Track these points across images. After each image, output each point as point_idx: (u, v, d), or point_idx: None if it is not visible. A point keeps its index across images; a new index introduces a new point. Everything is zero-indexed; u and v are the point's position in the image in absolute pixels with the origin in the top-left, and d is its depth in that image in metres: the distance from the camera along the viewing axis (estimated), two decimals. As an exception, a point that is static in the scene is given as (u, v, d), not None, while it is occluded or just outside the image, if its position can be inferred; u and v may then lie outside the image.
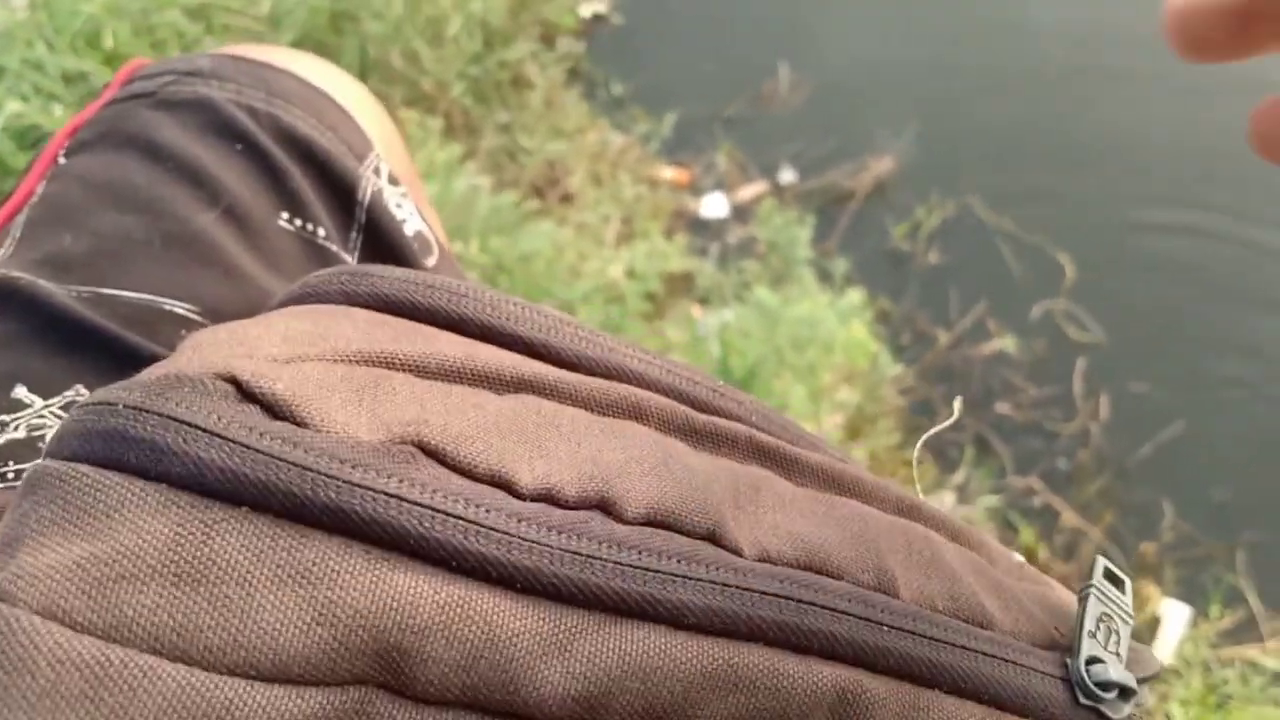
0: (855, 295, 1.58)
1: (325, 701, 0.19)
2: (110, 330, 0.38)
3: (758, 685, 0.22)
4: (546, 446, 0.23)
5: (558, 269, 1.65)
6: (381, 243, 0.50)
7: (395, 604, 0.20)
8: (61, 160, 0.46)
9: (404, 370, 0.24)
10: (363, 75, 2.13)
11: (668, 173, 2.08)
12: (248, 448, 0.20)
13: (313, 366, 0.23)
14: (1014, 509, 1.70)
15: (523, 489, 0.22)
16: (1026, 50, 2.35)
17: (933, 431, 0.37)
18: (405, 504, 0.20)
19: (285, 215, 0.46)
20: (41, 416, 0.36)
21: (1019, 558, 0.31)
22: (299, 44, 2.05)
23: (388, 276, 0.27)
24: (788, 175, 2.09)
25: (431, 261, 0.52)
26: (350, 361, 0.23)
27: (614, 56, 2.35)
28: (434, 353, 0.24)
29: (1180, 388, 1.85)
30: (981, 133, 2.20)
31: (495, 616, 0.20)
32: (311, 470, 0.20)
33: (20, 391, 0.37)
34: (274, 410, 0.21)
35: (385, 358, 0.24)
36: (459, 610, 0.20)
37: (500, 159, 2.05)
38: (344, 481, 0.20)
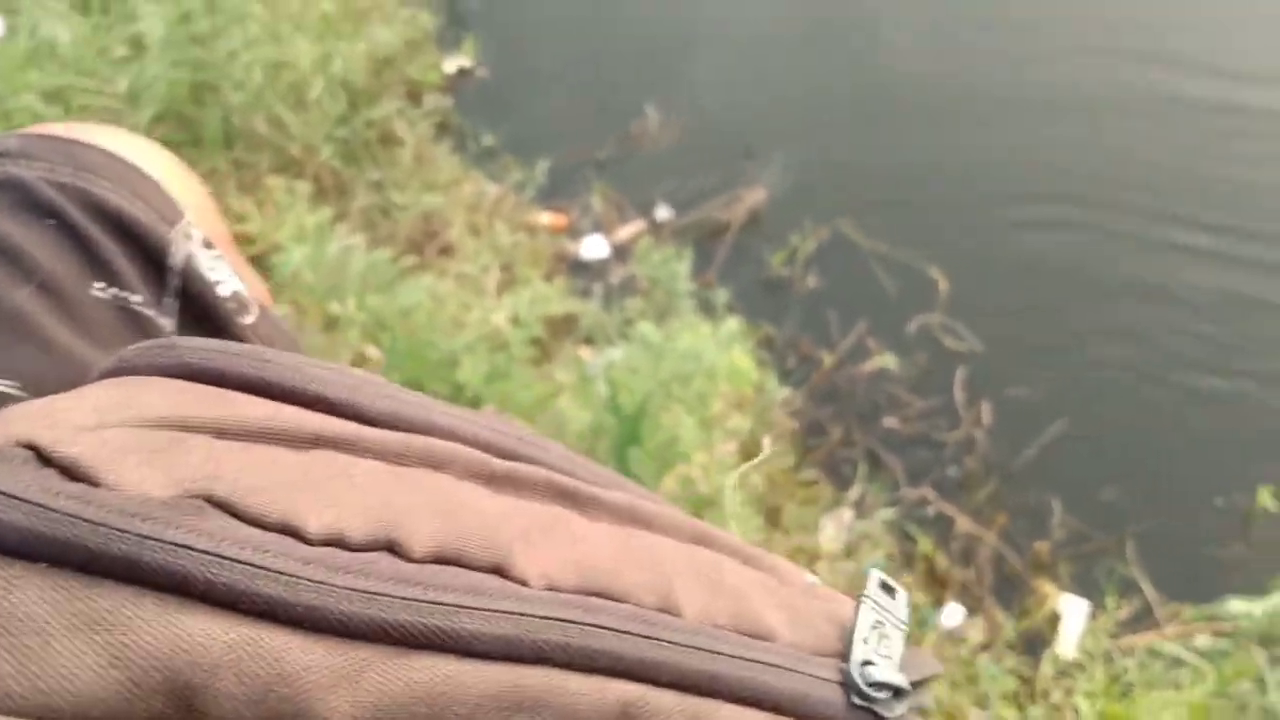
0: (733, 323, 1.60)
1: None
2: None
3: (544, 704, 0.23)
4: (337, 496, 0.24)
5: (439, 321, 1.64)
6: (196, 305, 0.51)
7: (186, 645, 0.21)
8: None
9: (203, 432, 0.25)
10: (228, 144, 2.10)
11: (545, 218, 2.09)
12: (44, 507, 0.21)
13: (113, 432, 0.24)
14: (910, 520, 1.73)
15: (311, 535, 0.23)
16: (883, 79, 2.44)
17: (752, 464, 0.40)
18: (193, 552, 0.21)
19: (99, 285, 0.48)
20: None
21: (813, 578, 0.33)
22: (161, 118, 2.01)
23: (195, 347, 0.28)
24: (663, 212, 2.13)
25: (250, 319, 0.53)
26: (151, 426, 0.25)
27: (482, 108, 2.36)
28: (234, 414, 0.26)
29: (1059, 387, 1.92)
30: (848, 159, 2.27)
31: (284, 653, 0.21)
32: (103, 525, 0.21)
33: None
34: (71, 473, 0.22)
35: (185, 421, 0.25)
36: (248, 649, 0.21)
37: (374, 217, 2.04)
38: (134, 534, 0.21)
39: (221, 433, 0.26)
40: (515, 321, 1.70)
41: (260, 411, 0.26)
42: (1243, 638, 1.61)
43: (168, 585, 0.21)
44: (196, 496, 0.23)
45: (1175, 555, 1.74)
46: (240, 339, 0.52)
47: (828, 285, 2.05)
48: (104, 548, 0.21)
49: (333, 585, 0.22)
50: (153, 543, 0.21)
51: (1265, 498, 1.76)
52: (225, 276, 0.53)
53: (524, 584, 0.25)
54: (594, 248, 2.04)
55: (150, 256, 0.50)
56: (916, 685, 0.28)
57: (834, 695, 0.27)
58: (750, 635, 0.27)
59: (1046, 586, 1.71)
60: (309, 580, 0.22)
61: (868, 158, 2.26)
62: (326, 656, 0.22)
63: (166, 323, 0.50)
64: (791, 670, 0.27)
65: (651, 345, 1.53)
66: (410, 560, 0.24)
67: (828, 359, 1.92)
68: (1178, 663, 1.61)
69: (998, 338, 1.98)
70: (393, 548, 0.24)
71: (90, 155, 0.51)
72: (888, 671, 0.27)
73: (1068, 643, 1.66)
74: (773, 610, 0.29)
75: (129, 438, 0.24)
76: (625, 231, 2.07)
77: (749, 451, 1.65)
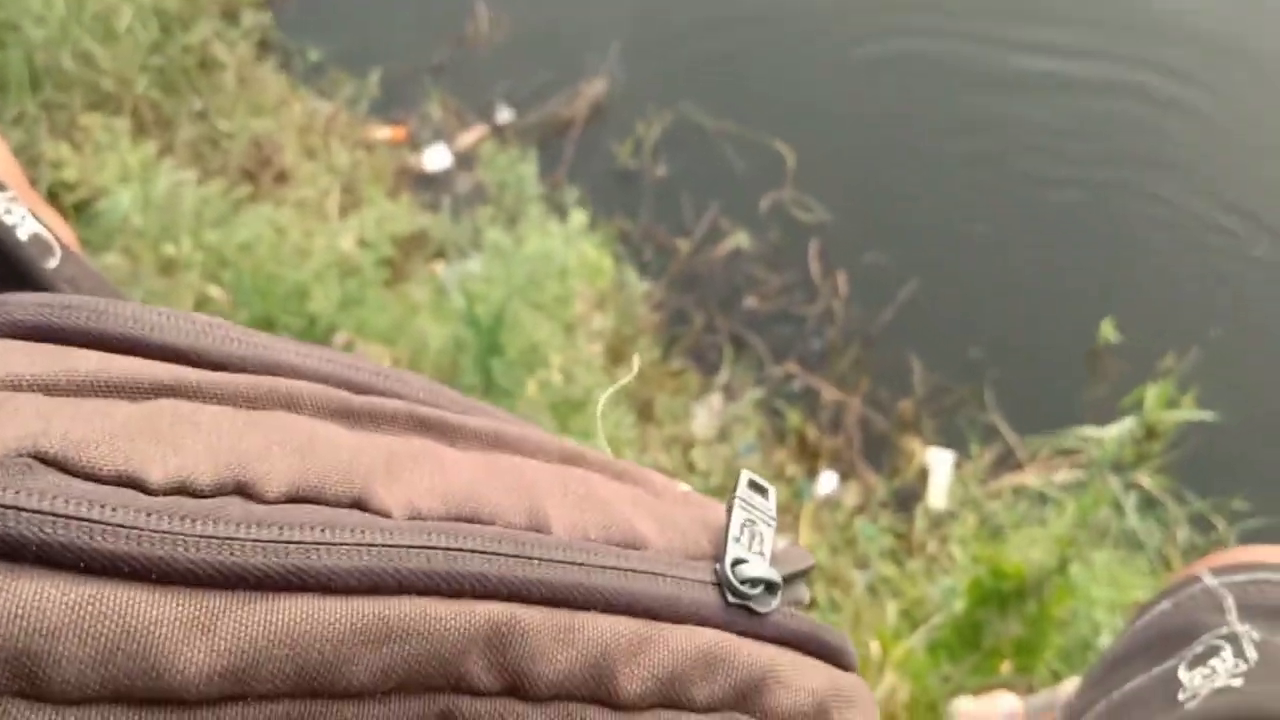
0: (580, 216, 1.61)
1: None
2: None
3: (410, 632, 0.23)
4: (181, 443, 0.23)
5: (284, 252, 1.62)
6: (7, 265, 0.48)
7: (20, 611, 0.20)
8: None
9: (30, 390, 0.24)
10: (35, 86, 1.99)
11: (382, 132, 2.05)
12: None
13: None
14: (778, 396, 1.79)
15: (153, 485, 0.22)
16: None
17: (616, 387, 0.40)
18: (23, 513, 0.21)
19: None
20: None
21: (685, 487, 0.33)
22: (-45, 60, 1.90)
23: (23, 303, 0.27)
24: (505, 114, 2.10)
25: (53, 263, 0.50)
26: None
27: (304, 22, 2.28)
28: (64, 369, 0.25)
29: (909, 248, 1.98)
30: (683, 40, 2.26)
31: (130, 608, 0.21)
32: None
33: None
34: None
35: (10, 381, 0.24)
36: (90, 608, 0.21)
37: (201, 148, 1.97)
38: None
39: (51, 389, 0.24)
40: (363, 244, 1.68)
41: (93, 363, 0.25)
42: (1098, 468, 1.73)
43: None
44: (23, 455, 0.22)
45: (1031, 397, 1.84)
46: (46, 286, 0.49)
47: (677, 171, 2.06)
48: None
49: (180, 534, 0.21)
50: None
51: (1108, 330, 1.87)
52: (22, 218, 0.50)
53: (386, 516, 0.24)
54: (437, 158, 2.02)
55: None
56: (789, 579, 0.28)
57: (708, 596, 0.27)
58: (621, 545, 0.27)
59: (913, 443, 1.80)
60: (153, 531, 0.21)
61: (703, 39, 2.27)
62: (177, 608, 0.21)
63: None
64: (663, 575, 0.27)
65: (502, 251, 1.53)
66: (263, 502, 0.23)
67: (684, 246, 1.95)
68: (1042, 499, 1.72)
69: (846, 206, 2.03)
70: (244, 490, 0.23)
71: None
72: (760, 568, 0.27)
73: (938, 495, 1.76)
74: (645, 520, 0.28)
75: None
76: (467, 138, 2.05)
77: (616, 352, 1.68)
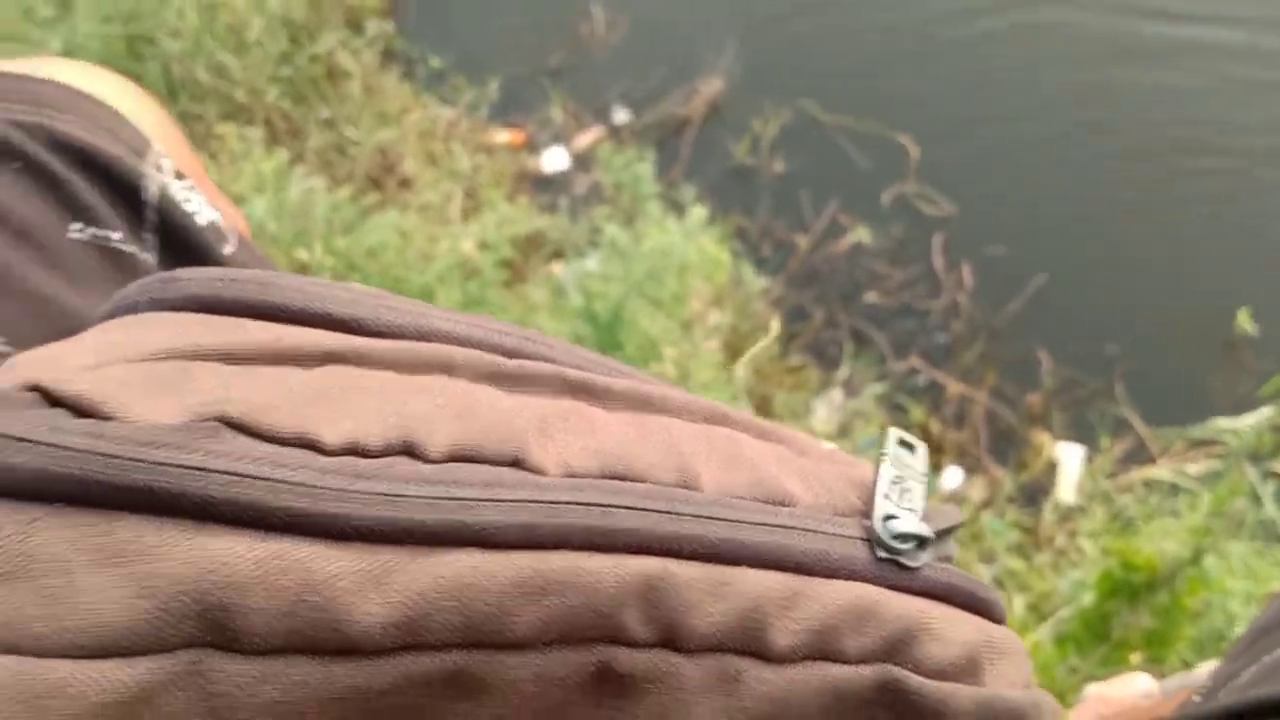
0: (698, 211, 1.64)
1: (156, 668, 0.21)
2: None
3: (567, 585, 0.23)
4: (351, 407, 0.25)
5: (408, 256, 1.68)
6: (177, 238, 0.51)
7: (211, 566, 0.21)
8: None
9: (211, 359, 0.26)
10: (172, 97, 2.11)
11: (502, 136, 2.11)
12: (54, 446, 0.22)
13: (116, 368, 0.24)
14: (900, 391, 1.79)
15: (328, 447, 0.24)
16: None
17: (754, 350, 0.40)
18: (210, 474, 0.22)
19: (76, 225, 0.48)
20: None
21: (830, 446, 0.33)
22: (97, 81, 2.02)
23: (196, 278, 0.28)
24: (621, 115, 2.14)
25: (229, 249, 0.54)
26: (156, 359, 0.25)
27: (425, 31, 2.36)
28: (241, 339, 0.26)
29: (1036, 239, 1.95)
30: (800, 36, 2.27)
31: (311, 563, 0.22)
32: (116, 457, 0.22)
33: None
34: (78, 409, 0.23)
35: (192, 351, 0.26)
36: (274, 563, 0.22)
37: (330, 156, 2.06)
38: (149, 462, 0.22)
39: (229, 358, 0.26)
40: (483, 246, 1.74)
41: (268, 334, 0.27)
42: (1234, 457, 1.68)
43: (189, 510, 0.22)
44: (209, 419, 0.23)
45: (1163, 389, 1.80)
46: None
47: (796, 167, 2.07)
48: (120, 479, 0.21)
49: (354, 492, 0.23)
50: (169, 469, 0.22)
51: (1244, 320, 1.81)
52: (200, 206, 0.53)
53: (542, 473, 0.25)
54: (555, 160, 2.07)
55: (123, 192, 0.50)
56: (940, 534, 0.29)
57: (858, 551, 0.27)
58: (769, 502, 0.28)
59: (1041, 437, 1.77)
60: (330, 489, 0.23)
61: (819, 34, 2.27)
62: (352, 562, 0.22)
63: (149, 258, 0.49)
64: (813, 531, 0.27)
65: (620, 249, 1.56)
66: (428, 461, 0.24)
67: (803, 242, 1.96)
68: (1175, 491, 1.68)
69: (971, 198, 2.01)
70: (410, 451, 0.24)
71: (48, 90, 0.50)
72: (910, 523, 0.28)
73: (1067, 488, 1.73)
74: (791, 477, 0.29)
75: (134, 372, 0.24)
76: (584, 139, 2.09)
77: (733, 348, 1.70)
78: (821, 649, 0.26)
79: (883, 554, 0.27)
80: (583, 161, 2.07)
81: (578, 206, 1.95)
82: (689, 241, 1.49)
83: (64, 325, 0.40)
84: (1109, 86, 2.14)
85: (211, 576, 0.21)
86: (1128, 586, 1.33)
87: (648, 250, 1.47)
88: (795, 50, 2.25)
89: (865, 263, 1.95)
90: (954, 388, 1.80)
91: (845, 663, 0.26)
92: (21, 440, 0.22)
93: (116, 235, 0.48)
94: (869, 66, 2.22)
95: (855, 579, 0.27)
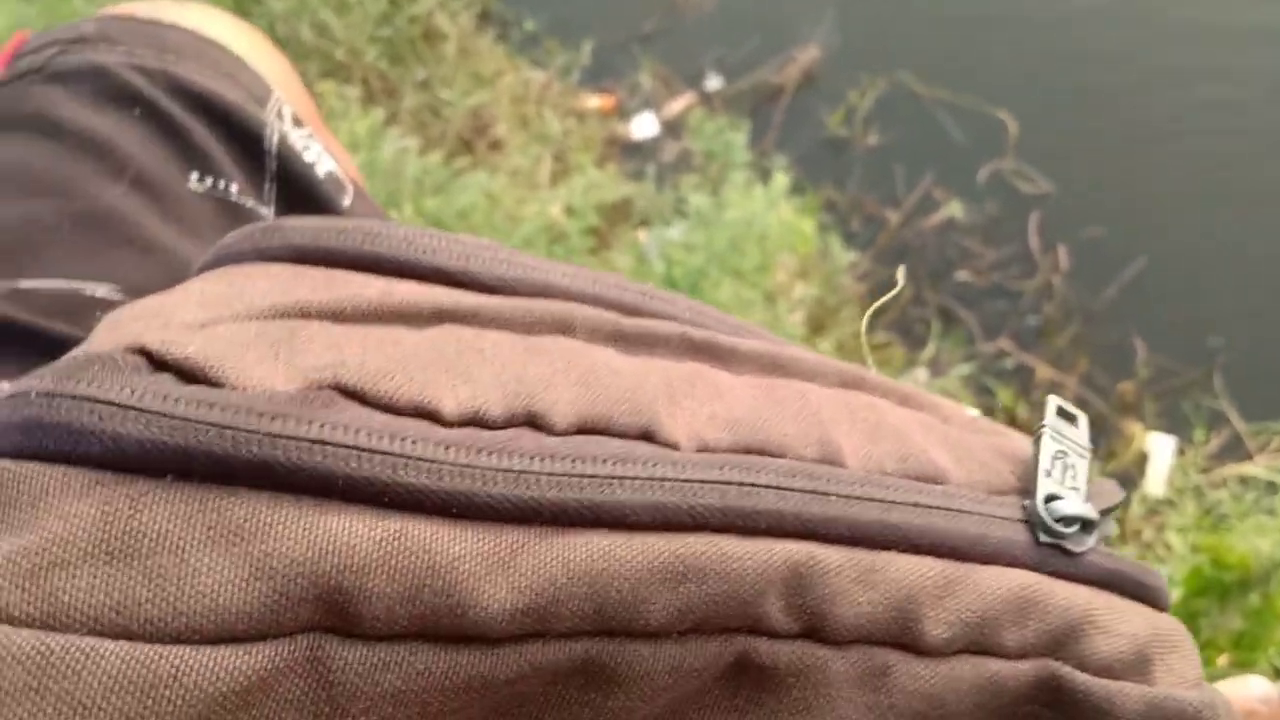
0: (781, 179, 1.62)
1: (274, 654, 0.20)
2: (31, 325, 0.39)
3: (707, 572, 0.22)
4: (469, 372, 0.23)
5: (496, 219, 1.70)
6: (296, 189, 0.49)
7: (331, 547, 0.20)
8: None
9: (319, 318, 0.24)
10: (273, 57, 2.15)
11: (593, 101, 2.11)
12: (163, 415, 0.20)
13: (225, 327, 0.23)
14: (988, 374, 1.76)
15: (447, 416, 0.22)
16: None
17: (881, 301, 0.37)
18: (329, 447, 0.21)
19: (195, 176, 0.46)
20: None
21: (974, 412, 0.31)
22: (200, 37, 2.07)
23: (300, 228, 0.27)
24: (714, 82, 2.13)
25: (347, 201, 0.52)
26: (264, 317, 0.24)
27: (522, -8, 2.37)
28: (349, 296, 0.25)
29: (1136, 223, 1.90)
30: (900, 6, 2.23)
31: (434, 544, 0.21)
32: (230, 428, 0.20)
33: None
34: (187, 375, 0.22)
35: (300, 308, 0.24)
36: (396, 543, 0.20)
37: (424, 117, 2.08)
38: (264, 434, 0.20)
39: (338, 316, 0.24)
40: (570, 211, 1.74)
41: (376, 291, 0.25)
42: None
43: (306, 485, 0.20)
44: (324, 386, 0.22)
45: (1264, 383, 1.74)
46: None
47: (890, 140, 2.04)
48: (233, 452, 0.20)
49: (477, 467, 0.21)
50: (285, 441, 0.20)
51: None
52: (319, 156, 0.51)
53: (674, 447, 0.24)
54: (644, 126, 2.06)
55: (244, 140, 0.48)
56: (1104, 515, 0.27)
57: (1017, 534, 0.25)
58: (920, 479, 0.26)
59: (1132, 427, 1.73)
60: (452, 464, 0.21)
61: (921, 3, 2.22)
62: (477, 543, 0.21)
63: (266, 211, 0.48)
64: (969, 512, 0.25)
65: (705, 217, 1.56)
66: (554, 433, 0.23)
67: (893, 217, 1.93)
68: (1271, 489, 1.63)
69: (1071, 177, 1.96)
70: (534, 421, 0.23)
71: (172, 35, 0.49)
72: (1075, 504, 0.26)
73: (1156, 481, 1.69)
74: (940, 450, 0.27)
75: (243, 331, 0.23)
76: (675, 106, 2.08)
77: (817, 321, 1.69)
78: (978, 642, 0.24)
79: (1045, 538, 0.25)
80: (673, 129, 2.06)
81: (665, 174, 1.94)
82: (771, 211, 1.47)
83: (178, 277, 0.40)
84: (1224, 67, 2.06)
85: (331, 558, 0.20)
86: (1218, 585, 1.29)
87: (730, 219, 1.46)
88: (894, 21, 2.20)
89: (957, 240, 1.91)
90: (1044, 372, 1.76)
91: (1004, 657, 0.25)
92: (128, 408, 0.20)
93: (234, 188, 0.46)
94: (970, 39, 2.17)
95: (1015, 565, 0.25)
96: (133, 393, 0.21)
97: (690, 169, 1.92)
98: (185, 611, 0.19)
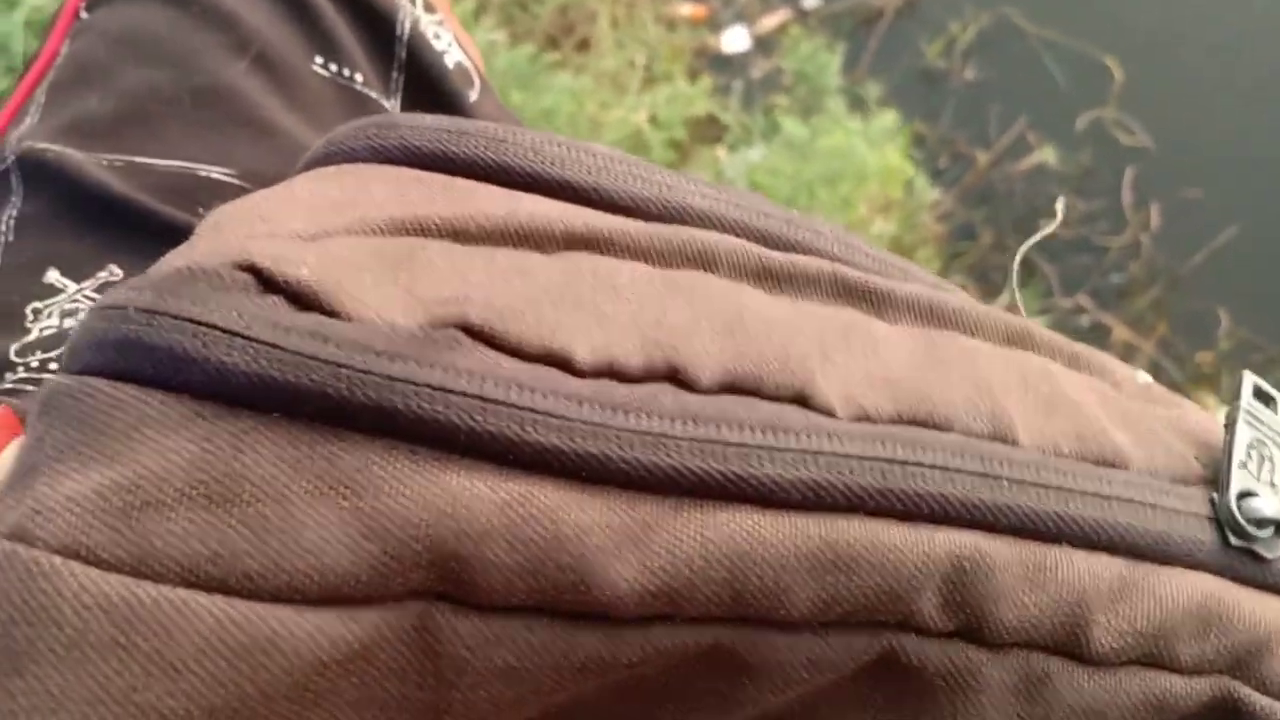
0: (888, 118, 1.58)
1: (381, 622, 0.18)
2: (144, 203, 0.38)
3: (859, 560, 0.20)
4: (604, 312, 0.21)
5: (580, 122, 1.67)
6: (424, 81, 0.47)
7: (450, 508, 0.18)
8: (83, 15, 0.44)
9: (441, 236, 0.22)
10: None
11: (685, 9, 2.06)
12: (274, 347, 0.19)
13: (340, 242, 0.21)
14: (1063, 329, 1.72)
15: (581, 365, 0.20)
16: None
17: (1037, 238, 0.34)
18: (452, 396, 0.19)
19: (319, 60, 0.44)
20: (75, 302, 0.36)
21: (1145, 377, 0.28)
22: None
23: (417, 127, 0.25)
24: (810, 1, 2.07)
25: (474, 95, 0.49)
26: (381, 232, 0.22)
27: (622, -113, 2.30)
28: (472, 213, 0.23)
29: (1237, 189, 1.84)
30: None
31: (561, 512, 0.19)
32: (346, 366, 0.19)
33: (52, 275, 0.36)
34: (300, 300, 0.20)
35: (419, 223, 0.22)
36: (520, 509, 0.19)
37: (512, 11, 2.05)
38: (383, 376, 0.19)
39: (461, 235, 0.22)
40: (655, 122, 1.72)
41: (499, 207, 0.23)
42: None
43: (424, 437, 0.19)
44: (449, 325, 0.20)
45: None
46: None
47: (989, 77, 1.98)
48: (348, 395, 0.18)
49: (612, 427, 0.19)
50: (405, 386, 0.19)
51: None
52: (449, 45, 0.48)
53: (829, 413, 0.21)
54: (735, 40, 2.01)
55: (375, 25, 0.46)
56: None
57: (1203, 534, 0.23)
58: (1098, 462, 0.23)
59: (1208, 400, 1.70)
60: (585, 423, 0.19)
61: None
62: (608, 514, 0.19)
63: (390, 104, 0.45)
64: (1150, 505, 0.22)
65: (797, 144, 1.53)
66: (696, 391, 0.21)
67: (982, 158, 1.88)
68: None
69: (1173, 133, 1.90)
70: (675, 376, 0.21)
71: None
72: (1273, 504, 0.23)
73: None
74: (1118, 428, 0.24)
75: (359, 249, 0.21)
76: (769, 21, 2.03)
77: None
78: (1151, 654, 0.22)
79: (1236, 541, 0.23)
80: (764, 45, 2.01)
81: (753, 92, 1.90)
82: (873, 149, 1.44)
83: (291, 161, 0.38)
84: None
85: (449, 521, 0.18)
86: None
87: (825, 149, 1.43)
88: (1008, -49, 2.12)
89: (1047, 188, 1.86)
90: (1120, 333, 1.73)
91: (1177, 672, 0.22)
92: (236, 335, 0.19)
93: (360, 77, 0.44)
94: (1085, -23, 2.09)
95: (1198, 569, 0.23)
96: (240, 318, 0.19)
97: (779, 89, 1.88)
98: (288, 569, 0.18)
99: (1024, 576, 0.21)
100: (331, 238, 0.21)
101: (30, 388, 0.34)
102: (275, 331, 0.19)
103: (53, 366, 0.34)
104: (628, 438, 0.19)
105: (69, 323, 0.35)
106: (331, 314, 0.20)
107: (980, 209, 1.84)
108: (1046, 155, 1.87)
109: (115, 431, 0.18)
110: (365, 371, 0.19)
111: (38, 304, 0.35)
